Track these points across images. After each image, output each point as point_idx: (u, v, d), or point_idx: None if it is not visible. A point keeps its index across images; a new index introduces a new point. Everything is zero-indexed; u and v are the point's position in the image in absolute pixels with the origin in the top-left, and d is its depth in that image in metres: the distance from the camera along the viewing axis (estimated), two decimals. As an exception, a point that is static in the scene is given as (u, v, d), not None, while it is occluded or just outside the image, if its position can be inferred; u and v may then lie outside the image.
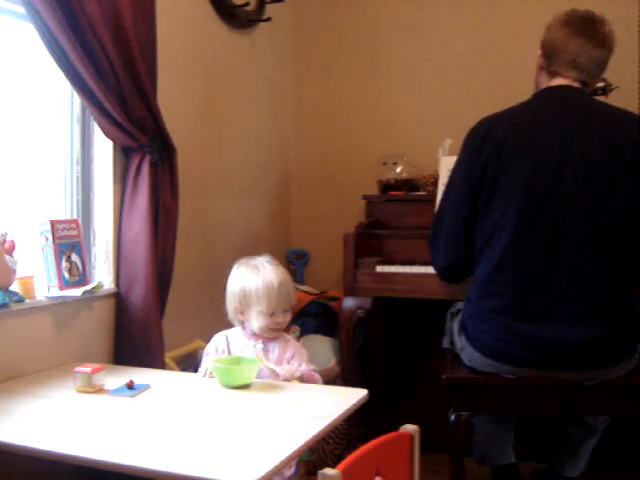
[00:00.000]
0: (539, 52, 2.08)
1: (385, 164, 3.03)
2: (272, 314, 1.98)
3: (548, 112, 1.98)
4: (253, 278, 2.00)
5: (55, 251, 2.05)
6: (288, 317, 2.03)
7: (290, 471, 1.86)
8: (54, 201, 2.21)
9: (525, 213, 1.87)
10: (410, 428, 1.47)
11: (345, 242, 2.62)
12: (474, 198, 1.97)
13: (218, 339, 2.06)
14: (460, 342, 2.06)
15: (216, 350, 2.04)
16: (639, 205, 1.88)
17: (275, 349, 2.01)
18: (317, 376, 1.98)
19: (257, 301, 1.98)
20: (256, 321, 1.99)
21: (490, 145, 1.94)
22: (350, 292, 2.60)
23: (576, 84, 2.01)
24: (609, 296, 1.87)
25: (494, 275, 1.91)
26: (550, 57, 2.03)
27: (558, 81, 2.02)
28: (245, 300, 2.00)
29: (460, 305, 2.16)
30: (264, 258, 2.06)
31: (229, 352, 2.03)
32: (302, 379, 1.93)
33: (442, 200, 2.12)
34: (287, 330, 2.18)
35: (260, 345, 2.00)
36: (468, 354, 2.01)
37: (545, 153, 1.89)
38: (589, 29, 1.99)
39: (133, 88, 2.09)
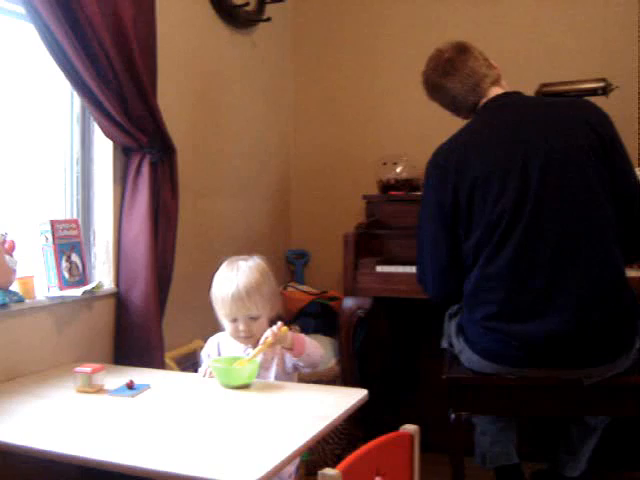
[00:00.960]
0: (452, 112, 2.13)
1: (385, 164, 3.03)
2: (234, 320, 1.89)
3: (496, 121, 1.99)
4: (220, 280, 1.92)
5: (55, 251, 2.05)
6: (256, 325, 1.89)
7: (290, 469, 1.86)
8: (54, 201, 2.21)
9: (504, 221, 1.86)
10: (410, 428, 1.47)
11: (345, 242, 2.61)
12: (452, 223, 1.96)
13: (210, 345, 2.03)
14: (458, 344, 2.06)
15: (208, 356, 2.01)
16: (609, 182, 1.89)
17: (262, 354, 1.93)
18: (306, 339, 1.91)
19: (220, 305, 1.90)
20: (226, 327, 1.93)
21: (453, 168, 1.94)
22: (350, 292, 2.60)
23: (499, 85, 2.05)
24: (600, 283, 1.85)
25: (480, 285, 1.92)
26: (459, 103, 2.07)
27: (487, 96, 2.04)
28: (213, 303, 1.93)
29: (457, 307, 2.16)
30: (248, 259, 1.95)
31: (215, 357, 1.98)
32: (287, 345, 1.85)
33: (420, 235, 2.08)
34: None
35: (250, 350, 1.91)
36: (466, 356, 2.01)
37: (506, 160, 1.89)
38: (440, 64, 2.07)
39: (133, 88, 2.09)
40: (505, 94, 2.04)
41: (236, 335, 1.92)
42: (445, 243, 1.99)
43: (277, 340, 1.84)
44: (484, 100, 2.05)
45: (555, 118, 1.95)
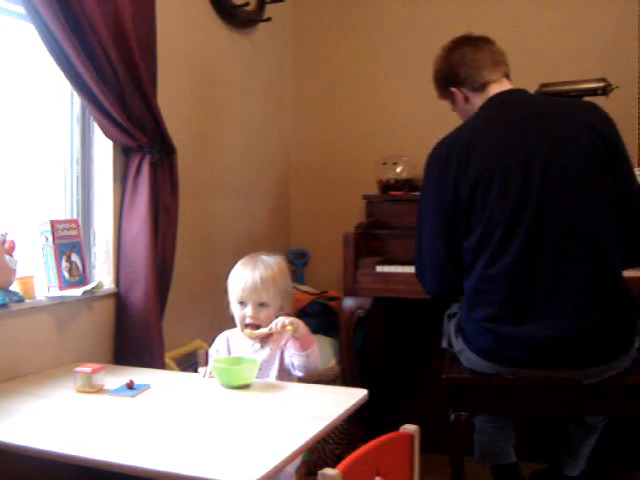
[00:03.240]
0: (453, 89, 2.10)
1: (385, 164, 3.03)
2: (242, 303, 1.94)
3: (501, 118, 1.98)
4: (239, 266, 1.99)
5: (55, 251, 2.05)
6: (263, 314, 1.93)
7: (290, 469, 1.86)
8: (54, 201, 2.21)
9: (506, 221, 1.86)
10: (410, 428, 1.47)
11: (345, 242, 2.62)
12: (451, 220, 1.95)
13: (219, 341, 2.05)
14: (458, 344, 2.06)
15: (217, 351, 2.03)
16: (611, 186, 1.89)
17: (268, 348, 1.97)
18: (313, 339, 1.93)
19: (232, 287, 1.96)
20: (235, 314, 1.97)
21: (455, 163, 1.93)
22: (350, 292, 2.60)
23: (505, 81, 2.05)
24: (599, 288, 1.85)
25: (481, 286, 1.91)
26: (468, 77, 2.05)
27: (493, 88, 2.03)
28: (228, 288, 1.99)
29: (457, 307, 2.16)
30: (270, 255, 2.02)
31: (229, 353, 2.01)
32: (298, 336, 1.86)
33: (419, 230, 2.08)
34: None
35: (257, 345, 1.97)
36: (466, 357, 2.01)
37: (509, 159, 1.89)
38: (468, 39, 2.10)
39: (133, 88, 2.09)
40: (510, 91, 2.03)
41: (242, 322, 1.95)
42: (444, 239, 1.98)
43: (291, 324, 1.84)
44: (489, 94, 2.03)
45: (559, 119, 1.94)
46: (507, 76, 2.07)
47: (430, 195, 2.01)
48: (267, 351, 1.96)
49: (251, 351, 1.97)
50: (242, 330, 1.97)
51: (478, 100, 2.06)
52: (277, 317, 1.93)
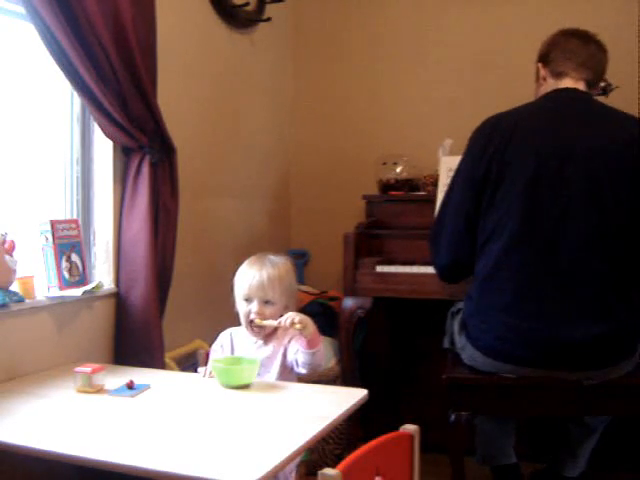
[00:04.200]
0: (539, 64, 2.13)
1: (385, 164, 3.03)
2: (247, 300, 1.96)
3: (552, 112, 2.00)
4: (246, 264, 2.02)
5: (55, 251, 2.04)
6: (268, 311, 1.94)
7: (290, 469, 1.86)
8: (54, 201, 2.21)
9: (527, 212, 1.88)
10: (410, 428, 1.47)
11: (345, 242, 2.62)
12: (478, 195, 1.97)
13: (223, 337, 2.06)
14: (460, 341, 2.06)
15: (221, 346, 2.04)
16: (638, 205, 1.89)
17: (272, 345, 1.98)
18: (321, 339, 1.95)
19: (239, 284, 1.98)
20: (240, 311, 1.98)
21: (495, 143, 1.96)
22: (350, 292, 2.60)
23: (582, 84, 2.05)
24: (610, 295, 1.87)
25: (495, 272, 1.92)
26: (554, 61, 2.08)
27: (566, 82, 2.05)
28: (235, 285, 2.00)
29: (460, 305, 2.16)
30: (278, 255, 2.05)
31: (232, 350, 2.02)
32: (306, 334, 1.86)
33: (445, 198, 2.12)
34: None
35: (261, 342, 1.98)
36: (468, 353, 2.01)
37: (548, 153, 1.91)
38: (585, 35, 2.09)
39: (133, 88, 2.09)
40: (575, 90, 2.04)
41: (247, 318, 1.96)
42: (467, 211, 2.00)
43: (300, 322, 1.85)
44: (559, 86, 2.05)
45: (606, 128, 1.95)
46: (589, 83, 2.06)
47: (465, 167, 2.04)
48: (270, 348, 1.97)
49: (254, 347, 1.97)
50: (246, 326, 1.98)
51: (550, 86, 2.09)
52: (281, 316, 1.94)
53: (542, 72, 2.12)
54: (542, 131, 1.95)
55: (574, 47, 2.06)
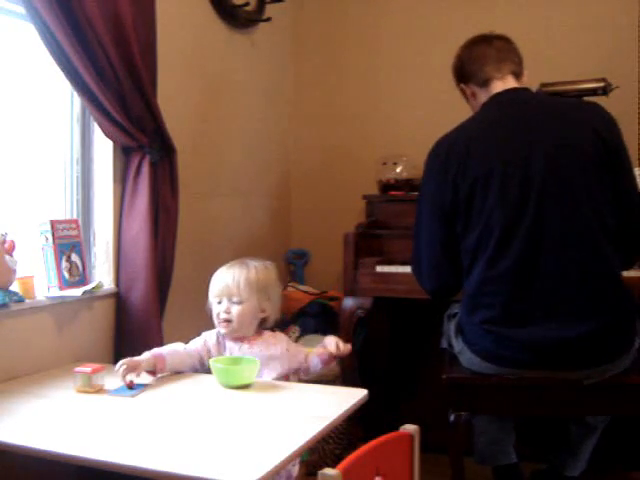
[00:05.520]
0: (461, 86, 2.12)
1: (385, 164, 3.03)
2: (219, 302, 1.96)
3: (501, 118, 1.98)
4: (222, 267, 2.02)
5: (55, 251, 2.05)
6: (235, 311, 1.93)
7: (290, 469, 1.86)
8: (54, 201, 2.21)
9: (504, 221, 1.86)
10: (410, 428, 1.47)
11: (345, 242, 2.61)
12: (448, 221, 1.95)
13: (211, 333, 2.03)
14: (458, 345, 2.06)
15: (205, 341, 2.01)
16: (610, 190, 1.88)
17: (259, 350, 1.96)
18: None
19: (211, 286, 1.99)
20: (213, 312, 1.98)
21: (454, 164, 1.92)
22: (350, 292, 2.60)
23: (511, 79, 2.03)
24: (599, 290, 1.86)
25: (481, 288, 1.91)
26: (472, 73, 2.07)
27: (496, 85, 2.03)
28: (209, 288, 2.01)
29: (456, 308, 2.15)
30: (259, 260, 2.03)
31: (209, 350, 1.99)
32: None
33: (416, 227, 2.09)
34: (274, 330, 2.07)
35: (245, 346, 1.96)
36: (466, 357, 2.00)
37: (509, 159, 1.88)
38: (483, 37, 2.10)
39: (133, 88, 2.09)
40: (513, 90, 2.02)
41: (217, 319, 1.97)
42: (440, 238, 1.98)
43: (338, 354, 1.95)
44: (492, 91, 2.03)
45: (561, 120, 1.93)
46: (516, 74, 2.05)
47: (429, 194, 2.01)
48: (256, 352, 1.94)
49: (236, 351, 1.96)
50: (218, 327, 1.98)
51: (483, 96, 2.06)
52: (262, 319, 1.97)
53: (468, 91, 2.10)
54: (498, 140, 1.92)
55: (480, 52, 2.05)
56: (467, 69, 2.08)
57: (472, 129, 2.00)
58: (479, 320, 1.92)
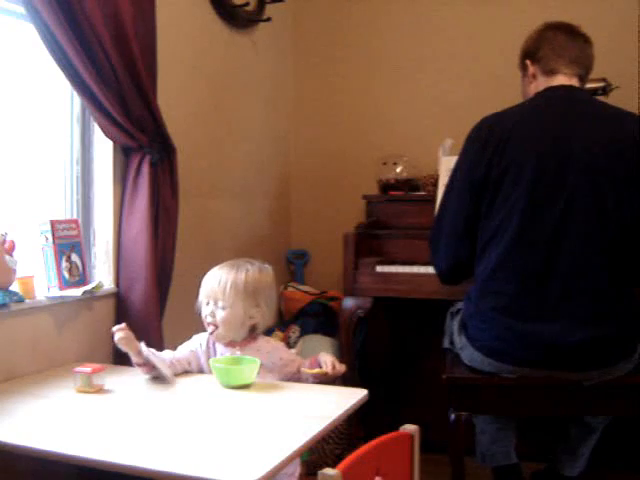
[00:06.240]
0: (527, 61, 2.11)
1: (385, 164, 3.03)
2: (207, 304, 1.93)
3: (549, 111, 1.99)
4: (215, 268, 1.98)
5: (55, 251, 2.04)
6: (221, 315, 1.89)
7: (290, 469, 1.86)
8: (54, 201, 2.21)
9: (528, 214, 1.88)
10: (410, 428, 1.47)
11: (345, 242, 2.61)
12: (477, 197, 1.97)
13: (202, 337, 2.00)
14: (460, 341, 2.06)
15: (200, 344, 1.99)
16: (638, 202, 1.89)
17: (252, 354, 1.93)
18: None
19: (202, 287, 1.96)
20: (202, 313, 1.95)
21: (493, 143, 1.94)
22: (350, 292, 2.60)
23: (575, 80, 2.04)
24: (610, 296, 1.87)
25: (495, 274, 1.92)
26: (544, 58, 2.06)
27: (559, 79, 2.04)
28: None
29: (460, 305, 2.16)
30: (254, 263, 1.97)
31: (198, 357, 1.98)
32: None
33: (443, 199, 2.12)
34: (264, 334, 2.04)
35: (238, 352, 1.92)
36: (468, 354, 2.01)
37: (547, 152, 1.90)
38: (572, 29, 2.08)
39: (133, 88, 2.09)
40: (570, 87, 2.03)
41: (205, 320, 1.94)
42: (467, 211, 2.00)
43: (334, 374, 1.87)
44: (552, 83, 2.03)
45: (606, 127, 1.94)
46: (581, 78, 2.06)
47: (464, 168, 2.03)
48: (263, 353, 1.92)
49: (228, 354, 1.94)
50: (206, 328, 1.96)
51: (542, 84, 2.07)
52: (251, 326, 1.93)
53: (531, 69, 2.10)
54: (541, 132, 1.94)
55: (563, 42, 2.05)
56: (542, 51, 2.07)
57: (519, 116, 2.00)
58: (488, 306, 1.92)
